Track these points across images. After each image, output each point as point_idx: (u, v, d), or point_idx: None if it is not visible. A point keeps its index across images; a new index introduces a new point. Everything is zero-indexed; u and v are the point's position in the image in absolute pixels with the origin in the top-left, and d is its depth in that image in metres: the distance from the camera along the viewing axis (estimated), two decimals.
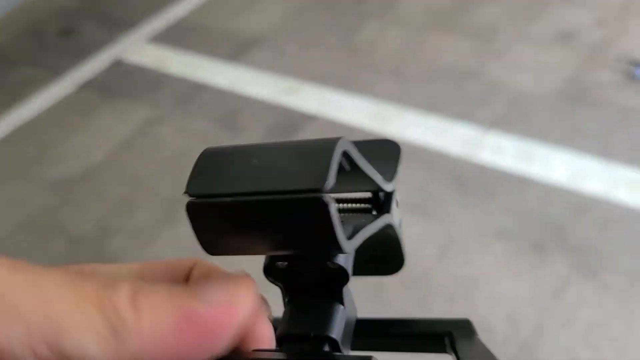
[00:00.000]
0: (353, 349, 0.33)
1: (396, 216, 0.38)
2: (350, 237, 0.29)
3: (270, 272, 0.33)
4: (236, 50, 3.30)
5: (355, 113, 2.65)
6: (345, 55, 3.03)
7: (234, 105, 2.90)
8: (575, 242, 1.90)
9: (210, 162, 0.30)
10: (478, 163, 2.26)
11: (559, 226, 1.95)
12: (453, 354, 0.32)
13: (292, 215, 0.27)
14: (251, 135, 2.67)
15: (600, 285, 1.75)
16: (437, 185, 2.20)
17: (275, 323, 0.31)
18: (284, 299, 0.34)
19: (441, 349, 0.34)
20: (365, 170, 0.33)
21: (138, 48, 3.44)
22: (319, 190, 0.26)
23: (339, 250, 0.28)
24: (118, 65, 3.32)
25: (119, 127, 2.88)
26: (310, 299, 0.32)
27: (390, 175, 0.38)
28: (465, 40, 2.90)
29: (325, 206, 0.26)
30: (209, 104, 2.96)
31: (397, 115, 2.57)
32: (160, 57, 3.34)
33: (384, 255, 0.40)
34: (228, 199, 0.28)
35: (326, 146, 0.28)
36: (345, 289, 0.33)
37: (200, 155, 0.30)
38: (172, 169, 2.60)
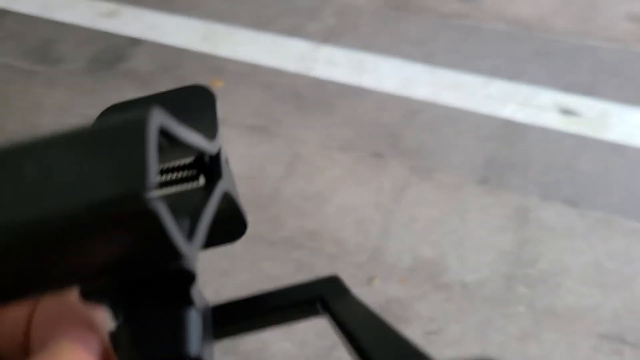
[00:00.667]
0: (218, 338, 0.28)
1: (230, 177, 0.33)
2: (190, 236, 0.24)
3: (90, 294, 0.24)
4: None
5: (184, 34, 2.48)
6: None
7: (46, 33, 2.57)
8: (409, 145, 1.99)
9: None
10: (314, 77, 2.25)
11: (394, 132, 2.04)
12: (328, 315, 0.29)
13: (105, 236, 0.20)
14: (72, 67, 2.40)
15: (435, 184, 1.87)
16: (277, 103, 2.17)
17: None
18: (115, 320, 0.25)
19: (314, 313, 0.30)
20: (186, 140, 0.25)
21: None
22: (140, 194, 0.18)
23: (180, 257, 0.21)
24: None
25: None
26: (151, 311, 0.25)
27: (212, 131, 0.32)
28: None
29: (153, 214, 0.19)
30: (16, 33, 2.60)
31: (228, 34, 2.45)
32: None
33: (223, 223, 0.33)
34: (4, 239, 0.19)
35: (134, 127, 0.19)
36: (194, 285, 0.26)
37: None
38: None
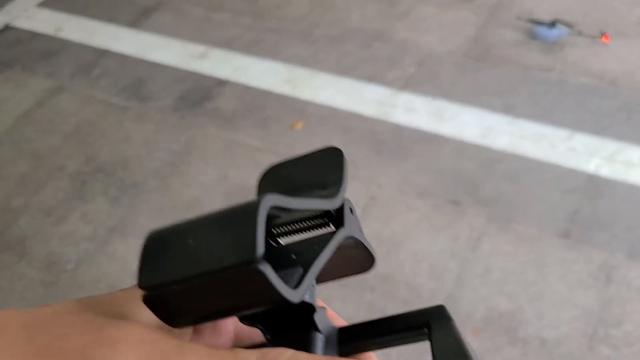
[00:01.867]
0: (343, 355, 0.35)
1: (353, 224, 0.38)
2: (297, 284, 0.30)
3: (245, 319, 0.34)
4: (138, 14, 3.06)
5: (267, 77, 2.54)
6: (252, 18, 2.89)
7: (139, 72, 2.70)
8: (487, 195, 1.93)
9: (154, 248, 0.30)
10: (393, 122, 2.24)
11: (472, 181, 1.99)
12: (430, 343, 0.34)
13: (238, 286, 0.28)
14: (160, 105, 2.50)
15: (514, 235, 1.80)
16: (356, 147, 2.17)
17: None
18: (265, 338, 0.34)
19: (422, 337, 0.35)
20: (302, 207, 0.33)
21: (27, 12, 3.11)
22: (251, 261, 0.27)
23: (288, 302, 0.29)
24: (7, 32, 2.99)
25: (15, 100, 2.60)
26: (288, 333, 0.34)
27: (337, 186, 0.37)
28: (371, 2, 2.85)
29: (261, 275, 0.27)
30: (113, 71, 2.74)
31: (309, 78, 2.49)
32: (54, 21, 3.04)
33: (354, 258, 0.41)
34: (177, 288, 0.29)
35: (248, 211, 0.28)
36: (316, 313, 0.33)
37: (145, 241, 0.31)
38: (77, 142, 2.39)
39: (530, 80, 2.30)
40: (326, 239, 0.36)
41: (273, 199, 0.30)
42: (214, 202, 2.06)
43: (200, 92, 2.53)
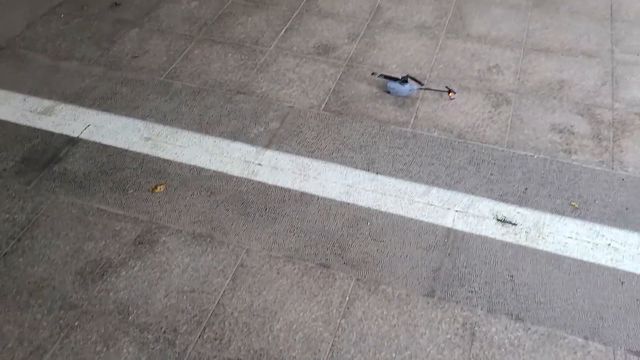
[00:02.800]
0: None
1: None
2: None
3: None
4: None
5: (125, 134, 2.32)
6: (105, 68, 2.65)
7: None
8: (355, 256, 1.90)
9: None
10: (259, 181, 2.15)
11: (340, 241, 1.95)
12: None
13: None
14: (0, 168, 2.18)
15: (383, 297, 1.78)
16: (222, 209, 2.04)
17: None
18: None
19: None
20: None
21: None
22: None
23: None
24: None
25: None
26: None
27: None
28: (232, 52, 2.75)
29: None
30: None
31: (171, 135, 2.32)
32: None
33: None
34: None
35: None
36: None
37: None
38: None
39: (387, 134, 2.33)
40: None
41: None
42: (66, 282, 1.81)
43: (47, 153, 2.25)
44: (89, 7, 3.06)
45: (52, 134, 2.33)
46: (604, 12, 2.96)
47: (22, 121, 2.39)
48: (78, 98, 2.50)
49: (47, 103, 2.47)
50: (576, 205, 2.05)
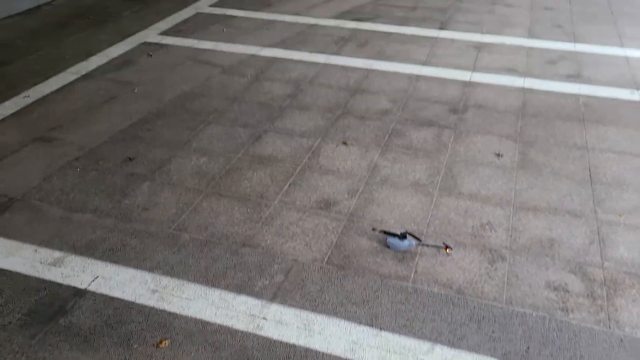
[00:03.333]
0: None
1: None
2: None
3: None
4: None
5: (132, 286, 2.33)
6: (116, 220, 2.73)
7: None
8: None
9: None
10: (264, 336, 2.13)
11: None
12: None
13: None
14: (5, 321, 2.15)
15: None
16: None
17: None
18: None
19: None
20: None
21: None
22: None
23: None
24: None
25: None
26: None
27: None
28: (238, 206, 2.86)
29: None
30: None
31: (177, 288, 2.34)
32: None
33: None
34: None
35: None
36: None
37: None
38: None
39: (389, 289, 2.36)
40: None
41: None
42: None
43: (53, 305, 2.24)
44: (104, 161, 3.21)
45: (60, 285, 2.34)
46: (583, 175, 3.16)
47: (32, 272, 2.40)
48: (88, 249, 2.54)
49: (57, 254, 2.50)
50: None
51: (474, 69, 4.49)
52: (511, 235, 2.69)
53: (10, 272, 2.40)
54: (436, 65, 4.56)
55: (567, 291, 2.37)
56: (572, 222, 2.78)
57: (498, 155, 3.35)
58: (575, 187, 3.05)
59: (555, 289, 2.39)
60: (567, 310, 2.28)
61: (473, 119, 3.75)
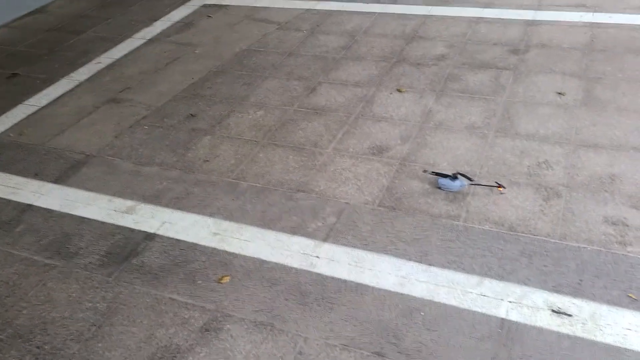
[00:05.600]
0: None
1: None
2: None
3: None
4: (65, 169, 3.04)
5: (195, 230, 2.53)
6: (180, 172, 2.93)
7: (65, 228, 2.63)
8: (409, 345, 1.94)
9: None
10: (317, 273, 2.26)
11: (394, 330, 2.00)
12: None
13: None
14: (86, 262, 2.41)
15: None
16: (282, 299, 2.15)
17: None
18: None
19: None
20: None
21: None
22: None
23: None
24: None
25: None
26: None
27: None
28: (293, 155, 2.98)
29: None
30: (36, 227, 2.65)
31: (237, 231, 2.51)
32: None
33: None
34: None
35: None
36: None
37: None
38: None
39: (439, 228, 2.42)
40: None
41: None
42: None
43: (127, 247, 2.47)
44: (169, 118, 3.42)
45: (132, 230, 2.57)
46: None
47: (107, 219, 2.64)
48: (156, 198, 2.75)
49: (129, 203, 2.74)
50: (634, 297, 2.03)
51: (539, 7, 4.31)
52: (569, 173, 2.65)
53: (89, 219, 2.66)
54: (499, 6, 4.41)
55: (627, 225, 2.33)
56: (636, 157, 2.69)
57: (560, 94, 3.25)
58: None
59: (614, 223, 2.35)
60: (624, 244, 2.24)
61: (535, 58, 3.64)
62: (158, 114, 3.48)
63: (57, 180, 2.95)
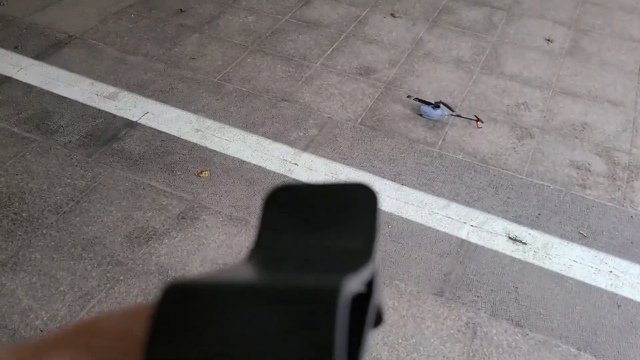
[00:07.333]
0: None
1: (378, 293, 0.33)
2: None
3: None
4: (47, 46, 2.99)
5: (178, 124, 2.58)
6: (166, 65, 2.93)
7: (45, 104, 2.63)
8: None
9: (179, 310, 0.21)
10: (294, 178, 2.36)
11: None
12: None
13: None
14: (66, 140, 2.44)
15: (396, 291, 1.96)
16: (258, 199, 2.25)
17: None
18: None
19: None
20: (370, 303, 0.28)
21: None
22: None
23: None
24: None
25: None
26: None
27: (368, 239, 0.31)
28: (281, 64, 3.00)
29: None
30: (15, 100, 2.64)
31: (219, 130, 2.56)
32: None
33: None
34: None
35: (324, 303, 0.21)
36: None
37: (165, 294, 0.22)
38: None
39: (416, 152, 2.53)
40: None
41: (348, 289, 0.22)
42: (115, 242, 2.04)
43: (108, 132, 2.51)
44: (157, 10, 3.36)
45: (114, 116, 2.59)
46: (632, 67, 3.14)
47: (89, 102, 2.65)
48: (139, 88, 2.76)
49: (111, 89, 2.74)
50: (584, 234, 2.21)
51: None
52: (545, 117, 2.78)
53: (70, 99, 2.66)
54: None
55: (589, 171, 2.49)
56: (609, 110, 2.83)
57: (548, 40, 3.33)
58: (621, 78, 3.05)
59: (578, 167, 2.50)
60: (584, 187, 2.41)
61: (529, 2, 3.68)
62: (145, 4, 3.41)
63: (38, 57, 2.92)
